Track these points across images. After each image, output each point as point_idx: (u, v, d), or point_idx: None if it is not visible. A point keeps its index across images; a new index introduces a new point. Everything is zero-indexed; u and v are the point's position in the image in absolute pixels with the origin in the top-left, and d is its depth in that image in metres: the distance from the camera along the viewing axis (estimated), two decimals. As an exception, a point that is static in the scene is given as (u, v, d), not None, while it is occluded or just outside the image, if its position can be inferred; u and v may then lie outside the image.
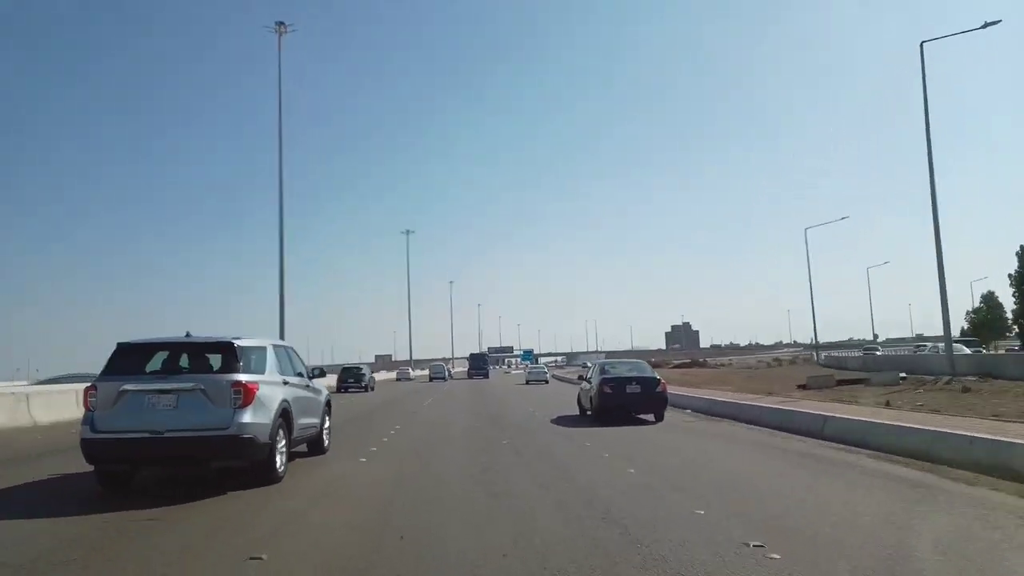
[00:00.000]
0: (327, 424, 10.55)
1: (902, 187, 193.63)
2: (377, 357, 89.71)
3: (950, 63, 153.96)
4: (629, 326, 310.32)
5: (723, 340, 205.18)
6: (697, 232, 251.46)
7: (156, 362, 7.73)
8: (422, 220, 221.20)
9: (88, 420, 7.15)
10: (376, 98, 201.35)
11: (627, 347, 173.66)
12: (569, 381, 47.11)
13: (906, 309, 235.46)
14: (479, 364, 71.03)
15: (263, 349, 8.28)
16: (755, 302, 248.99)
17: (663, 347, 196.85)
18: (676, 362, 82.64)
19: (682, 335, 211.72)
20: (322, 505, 6.94)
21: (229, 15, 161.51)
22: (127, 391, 7.08)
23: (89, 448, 7.10)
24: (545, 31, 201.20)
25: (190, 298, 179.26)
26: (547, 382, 47.19)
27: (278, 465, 7.79)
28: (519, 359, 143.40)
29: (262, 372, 7.87)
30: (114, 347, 7.61)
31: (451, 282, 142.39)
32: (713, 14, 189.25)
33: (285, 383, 8.43)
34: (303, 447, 9.88)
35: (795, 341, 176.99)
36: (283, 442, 8.02)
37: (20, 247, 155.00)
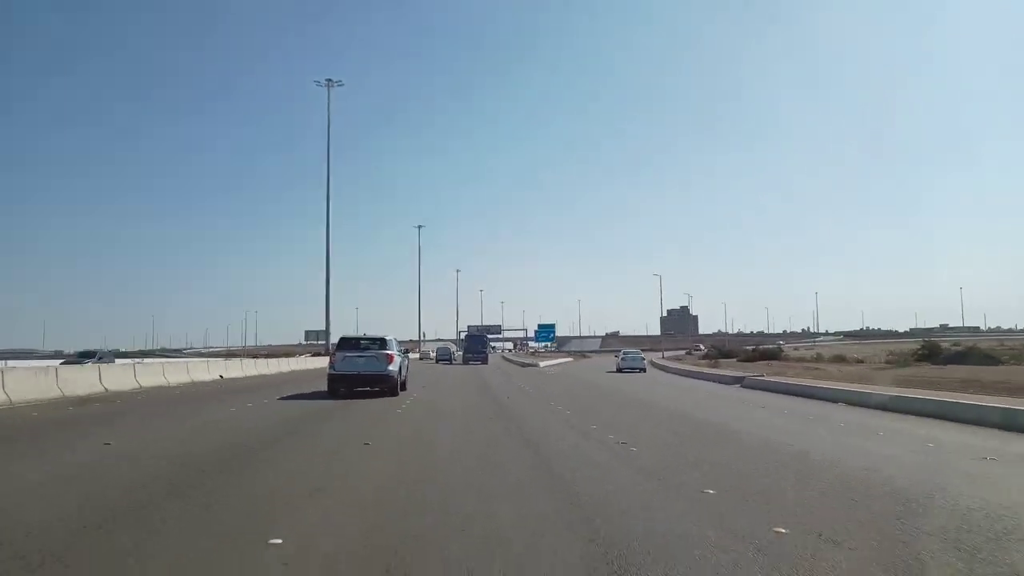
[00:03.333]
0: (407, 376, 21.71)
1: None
2: (308, 333, 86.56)
3: None
4: (618, 310, 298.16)
5: (713, 328, 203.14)
6: (690, 220, 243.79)
7: (355, 343, 18.96)
8: (413, 209, 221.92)
9: (331, 366, 18.55)
10: (374, 97, 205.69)
11: (618, 332, 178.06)
12: (677, 371, 41.89)
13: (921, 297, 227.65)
14: (477, 347, 61.09)
15: (392, 339, 19.60)
16: (760, 289, 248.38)
17: (657, 333, 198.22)
18: (705, 350, 75.87)
19: (680, 321, 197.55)
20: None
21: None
22: (347, 356, 18.44)
23: (331, 377, 18.47)
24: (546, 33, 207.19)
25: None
26: (644, 370, 43.34)
27: (399, 389, 18.97)
28: (536, 340, 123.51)
29: (393, 349, 19.12)
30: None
31: (419, 226, 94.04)
32: (714, 14, 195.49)
33: (398, 354, 19.56)
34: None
35: (808, 329, 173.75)
36: (399, 380, 19.17)
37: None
